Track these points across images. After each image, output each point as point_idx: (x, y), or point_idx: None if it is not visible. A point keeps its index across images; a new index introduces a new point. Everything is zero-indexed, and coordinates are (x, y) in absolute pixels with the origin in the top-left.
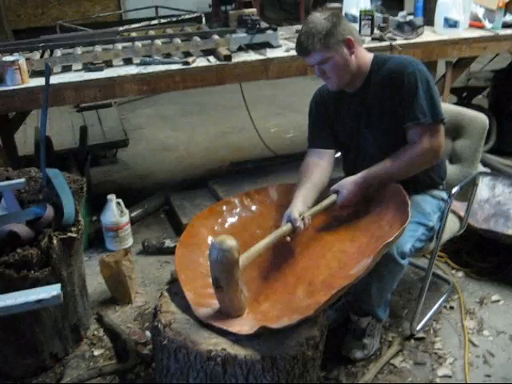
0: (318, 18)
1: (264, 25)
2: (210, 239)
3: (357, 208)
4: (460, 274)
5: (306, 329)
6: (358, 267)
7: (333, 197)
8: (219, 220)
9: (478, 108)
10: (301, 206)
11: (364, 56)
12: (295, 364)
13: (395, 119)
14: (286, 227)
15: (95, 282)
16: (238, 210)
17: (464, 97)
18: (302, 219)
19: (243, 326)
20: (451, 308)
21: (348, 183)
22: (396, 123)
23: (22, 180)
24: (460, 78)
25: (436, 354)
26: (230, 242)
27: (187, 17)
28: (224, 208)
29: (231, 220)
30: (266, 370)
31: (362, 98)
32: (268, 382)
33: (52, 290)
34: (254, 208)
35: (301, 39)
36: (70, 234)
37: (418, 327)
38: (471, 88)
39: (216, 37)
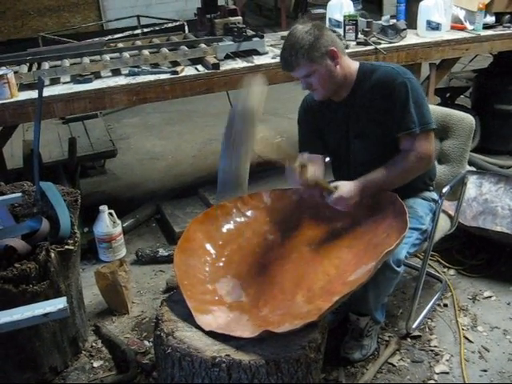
0: (300, 31)
1: (250, 32)
2: (207, 245)
3: (353, 216)
4: (452, 271)
5: (308, 332)
6: (357, 274)
7: (332, 187)
8: (214, 225)
9: (462, 108)
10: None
11: (349, 65)
12: (298, 367)
13: (384, 128)
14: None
15: (90, 294)
16: (233, 214)
17: (448, 97)
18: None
19: (245, 331)
20: (445, 306)
21: (347, 184)
22: (385, 132)
23: (19, 194)
24: (442, 79)
25: (432, 351)
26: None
27: (170, 25)
28: (219, 213)
29: (226, 225)
30: (270, 374)
31: (349, 106)
32: None
33: (58, 304)
34: (248, 213)
35: (284, 55)
36: (67, 247)
37: (414, 326)
38: (454, 88)
39: (203, 45)
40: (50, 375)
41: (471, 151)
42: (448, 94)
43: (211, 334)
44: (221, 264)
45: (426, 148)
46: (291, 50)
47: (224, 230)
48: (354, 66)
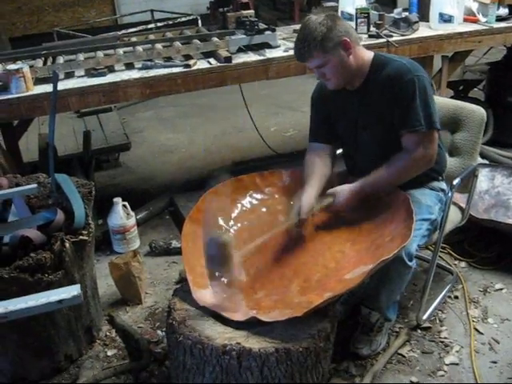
0: (314, 22)
1: (262, 26)
2: (218, 218)
3: (362, 211)
4: (463, 264)
5: (317, 321)
6: (353, 273)
7: (330, 199)
8: (230, 197)
9: (475, 101)
10: (311, 197)
11: (363, 55)
12: (308, 355)
13: (389, 123)
14: (290, 222)
15: (105, 284)
16: (250, 189)
17: (461, 90)
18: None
19: (236, 312)
20: (456, 298)
21: (344, 191)
22: (390, 127)
23: (34, 186)
24: (456, 72)
25: (442, 342)
26: (226, 238)
27: (183, 19)
28: (236, 185)
29: (241, 199)
30: (280, 362)
31: (360, 96)
32: (282, 374)
33: (72, 290)
34: (265, 189)
35: (298, 46)
36: (81, 237)
37: (424, 317)
38: (467, 81)
39: (216, 39)
40: (65, 363)
41: (484, 144)
42: (461, 87)
43: (223, 323)
44: None
45: (428, 149)
46: (304, 40)
47: (238, 204)
48: (367, 56)
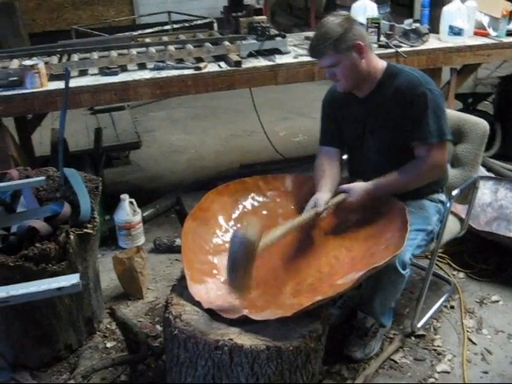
0: (331, 22)
1: (273, 32)
2: (219, 217)
3: (362, 218)
4: (461, 275)
5: (309, 322)
6: (345, 279)
7: (342, 196)
8: (232, 198)
9: (483, 114)
10: (327, 194)
11: (375, 63)
12: (298, 354)
13: (398, 134)
14: (309, 214)
15: (108, 278)
16: (252, 192)
17: (470, 103)
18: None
19: (229, 310)
20: (452, 307)
21: (360, 188)
22: (400, 137)
23: (42, 178)
24: (467, 84)
25: (435, 350)
26: (253, 230)
27: (199, 22)
28: (239, 187)
29: (243, 201)
30: (270, 360)
31: (370, 104)
32: (272, 371)
33: (72, 279)
34: (267, 193)
35: (313, 43)
36: (86, 230)
37: (419, 325)
38: (477, 94)
39: (227, 43)
40: (64, 352)
41: (491, 157)
42: (470, 100)
43: (218, 319)
44: (227, 239)
45: (440, 158)
46: (320, 38)
47: (240, 205)
48: (380, 64)
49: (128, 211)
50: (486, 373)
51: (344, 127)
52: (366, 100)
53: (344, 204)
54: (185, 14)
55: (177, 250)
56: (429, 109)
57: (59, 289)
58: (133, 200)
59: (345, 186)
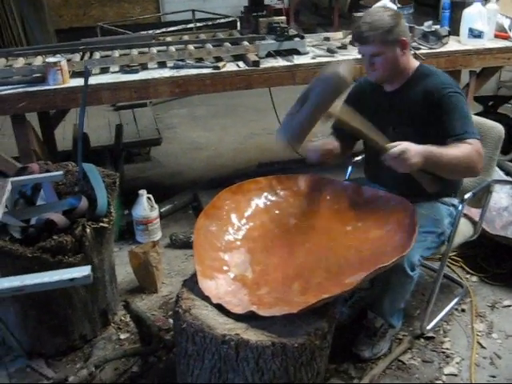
0: (383, 13)
1: (292, 32)
2: (232, 215)
3: (373, 219)
4: (474, 278)
5: (315, 320)
6: (353, 279)
7: (386, 143)
8: (245, 197)
9: (503, 116)
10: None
11: (410, 61)
12: (303, 351)
13: (422, 132)
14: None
15: (124, 272)
16: (265, 191)
17: (490, 105)
18: None
19: (238, 305)
20: (463, 311)
21: (413, 145)
22: (422, 135)
23: (60, 173)
24: (490, 87)
25: (444, 353)
26: (347, 67)
27: (222, 21)
28: (252, 186)
29: (256, 200)
30: (275, 356)
31: (396, 99)
32: (277, 367)
33: (84, 271)
34: (280, 192)
35: (362, 28)
36: (102, 224)
37: (429, 327)
38: (498, 97)
39: (246, 43)
40: (79, 342)
41: (510, 161)
42: (491, 102)
43: (226, 314)
44: (239, 236)
45: (479, 153)
46: (370, 25)
47: (253, 204)
48: (413, 63)
49: (145, 206)
50: (493, 377)
51: (366, 117)
52: (393, 94)
53: (399, 157)
54: (208, 13)
55: (192, 245)
56: (462, 108)
57: (71, 279)
58: (150, 196)
59: (395, 143)
